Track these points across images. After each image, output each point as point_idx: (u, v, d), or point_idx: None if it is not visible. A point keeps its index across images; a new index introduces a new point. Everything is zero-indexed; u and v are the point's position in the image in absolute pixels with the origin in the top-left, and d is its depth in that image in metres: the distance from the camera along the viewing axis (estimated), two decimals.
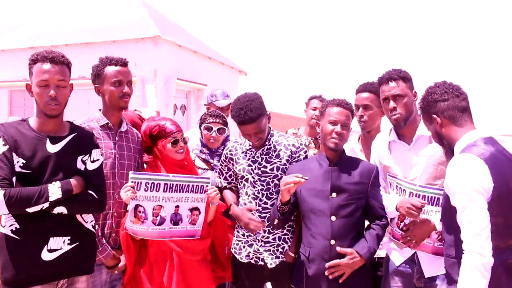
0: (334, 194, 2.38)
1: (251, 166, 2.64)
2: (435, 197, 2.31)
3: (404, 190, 2.40)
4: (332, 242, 2.35)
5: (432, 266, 2.34)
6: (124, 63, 2.53)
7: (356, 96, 2.92)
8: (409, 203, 2.27)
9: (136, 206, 2.37)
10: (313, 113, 3.64)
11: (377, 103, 2.77)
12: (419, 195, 2.34)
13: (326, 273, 2.34)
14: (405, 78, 2.42)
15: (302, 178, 2.22)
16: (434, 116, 2.09)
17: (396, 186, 2.46)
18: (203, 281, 2.55)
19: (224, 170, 2.83)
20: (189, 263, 2.51)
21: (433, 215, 2.30)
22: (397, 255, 2.47)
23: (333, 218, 2.36)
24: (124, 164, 2.54)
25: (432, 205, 2.32)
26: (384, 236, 2.45)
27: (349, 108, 2.46)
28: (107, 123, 2.52)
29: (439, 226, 2.27)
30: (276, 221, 2.45)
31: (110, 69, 2.49)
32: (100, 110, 2.58)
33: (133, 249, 2.46)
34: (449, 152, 2.10)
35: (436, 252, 2.32)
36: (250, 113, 2.47)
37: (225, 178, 2.84)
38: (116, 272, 2.50)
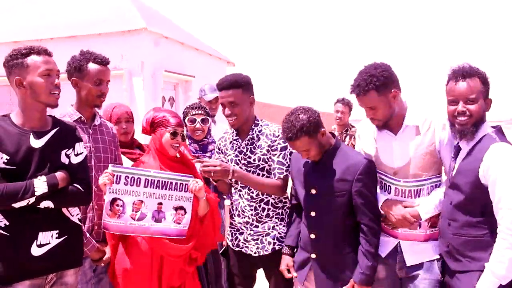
0: (313, 191, 2.39)
1: (238, 156, 2.69)
2: (419, 190, 2.35)
3: (389, 186, 2.40)
4: (312, 236, 2.40)
5: (414, 255, 2.36)
6: (107, 62, 2.57)
7: None
8: (407, 215, 2.29)
9: (115, 200, 2.35)
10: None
11: None
12: (405, 190, 2.36)
13: None
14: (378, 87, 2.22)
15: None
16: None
17: (380, 181, 2.44)
18: (187, 281, 2.54)
19: None
20: (171, 262, 2.46)
21: (418, 207, 2.32)
22: (382, 246, 2.43)
23: (313, 213, 2.40)
24: (100, 157, 2.56)
25: (417, 197, 2.36)
26: (375, 244, 2.37)
27: None
28: (80, 117, 2.54)
29: (425, 216, 2.30)
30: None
31: (93, 67, 2.51)
32: (72, 105, 2.59)
33: (117, 242, 2.45)
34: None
35: (430, 237, 2.36)
36: (229, 77, 2.62)
37: None
38: (102, 264, 2.52)
